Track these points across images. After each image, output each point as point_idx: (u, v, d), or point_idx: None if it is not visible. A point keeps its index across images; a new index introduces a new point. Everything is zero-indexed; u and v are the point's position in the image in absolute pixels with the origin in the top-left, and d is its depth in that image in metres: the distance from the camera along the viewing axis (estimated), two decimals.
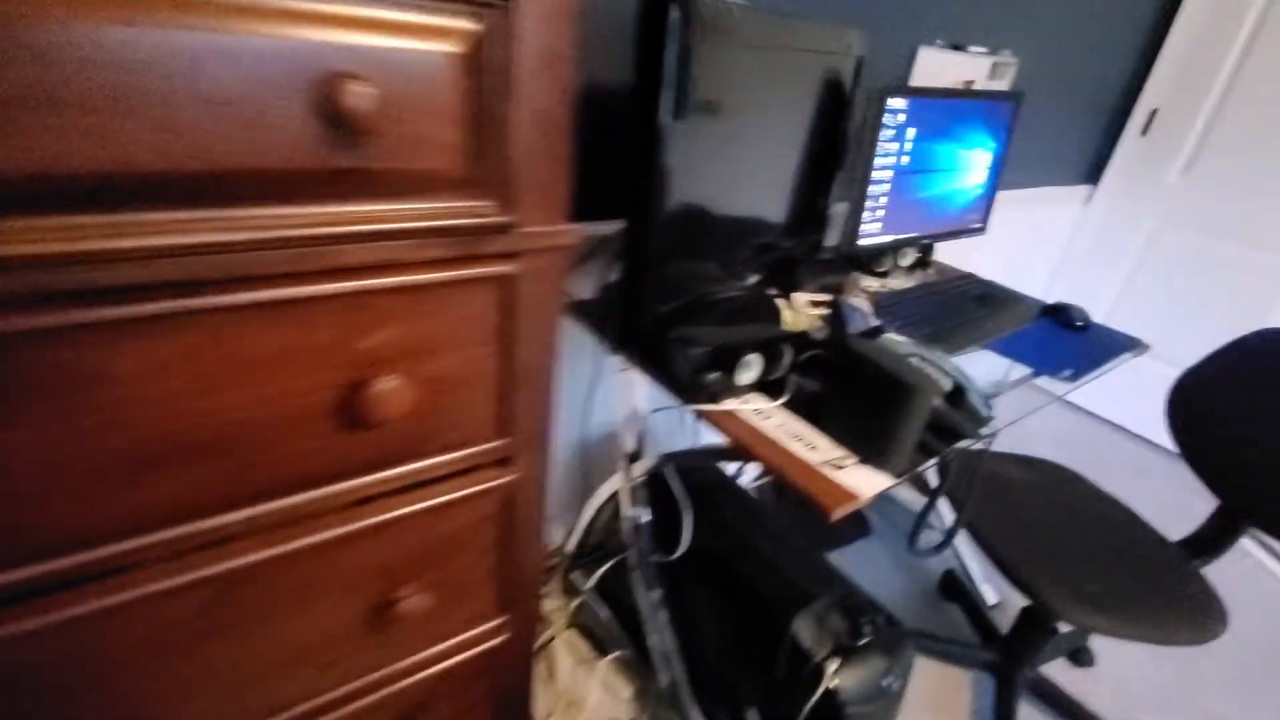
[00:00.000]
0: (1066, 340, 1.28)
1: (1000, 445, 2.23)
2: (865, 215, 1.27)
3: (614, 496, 1.31)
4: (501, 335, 0.53)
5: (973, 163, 1.41)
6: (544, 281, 0.53)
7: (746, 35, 0.87)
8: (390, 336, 0.47)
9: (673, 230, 0.88)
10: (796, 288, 1.22)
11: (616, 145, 1.12)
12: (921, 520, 0.92)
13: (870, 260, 1.41)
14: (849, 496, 0.75)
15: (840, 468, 0.79)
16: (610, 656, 1.31)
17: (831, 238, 1.35)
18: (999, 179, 1.48)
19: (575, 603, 1.38)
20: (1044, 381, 1.13)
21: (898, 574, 1.71)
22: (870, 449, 0.80)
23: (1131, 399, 2.42)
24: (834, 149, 1.23)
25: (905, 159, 1.26)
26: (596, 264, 1.16)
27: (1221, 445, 1.19)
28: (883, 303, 1.22)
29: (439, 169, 0.43)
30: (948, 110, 1.29)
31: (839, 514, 0.73)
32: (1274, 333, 1.19)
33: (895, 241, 1.36)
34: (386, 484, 0.53)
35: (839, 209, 1.30)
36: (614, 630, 1.34)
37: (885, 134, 1.21)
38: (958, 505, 1.24)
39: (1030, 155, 2.04)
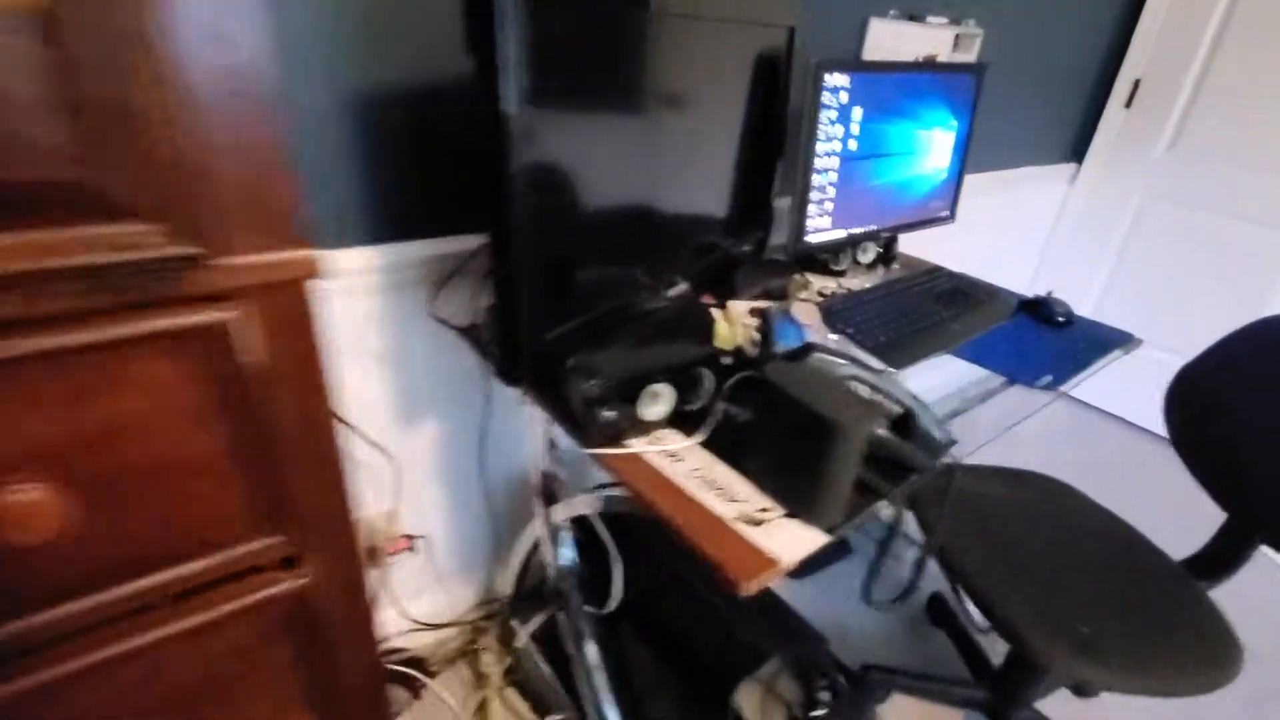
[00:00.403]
0: (1047, 339, 1.13)
1: (983, 452, 2.08)
2: (811, 209, 1.12)
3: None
4: (225, 406, 0.38)
5: (933, 144, 1.26)
6: (291, 329, 0.39)
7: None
8: (29, 427, 0.33)
9: (554, 238, 0.73)
10: (734, 294, 1.07)
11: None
12: (875, 569, 0.77)
13: (825, 259, 1.26)
14: (765, 564, 0.60)
15: (759, 523, 0.65)
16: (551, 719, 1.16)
17: (778, 236, 1.20)
18: (965, 161, 1.34)
19: (506, 662, 1.23)
20: (1018, 391, 0.98)
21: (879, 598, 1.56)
22: (795, 499, 0.66)
23: (1128, 389, 2.26)
24: (770, 135, 1.08)
25: (853, 143, 1.12)
26: (471, 284, 1.01)
27: (1226, 452, 1.04)
28: (834, 307, 1.08)
29: (30, 178, 0.28)
30: (899, 86, 1.14)
31: (751, 589, 0.58)
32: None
33: (850, 237, 1.21)
34: (89, 614, 0.39)
35: (784, 203, 1.15)
36: (555, 688, 1.19)
37: (826, 115, 1.06)
38: (927, 529, 1.09)
39: (1006, 134, 1.89)
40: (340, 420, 0.45)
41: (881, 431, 0.72)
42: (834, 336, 1.01)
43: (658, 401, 0.75)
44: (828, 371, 0.70)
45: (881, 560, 0.75)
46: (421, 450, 1.13)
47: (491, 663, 1.27)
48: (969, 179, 1.78)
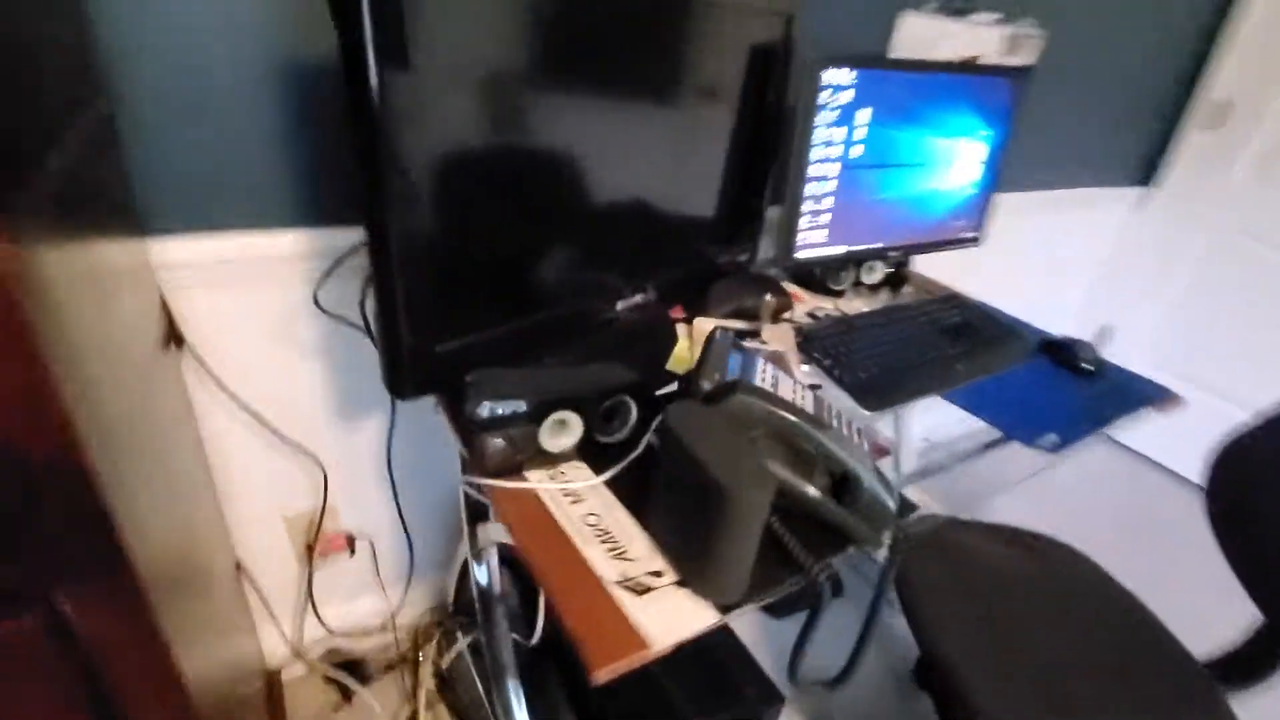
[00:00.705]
0: (1065, 388, 0.98)
1: (999, 500, 1.89)
2: (804, 221, 1.00)
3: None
4: None
5: (958, 156, 1.11)
6: None
7: None
8: None
9: (451, 234, 0.64)
10: (705, 310, 0.97)
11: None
12: (800, 647, 0.66)
13: (824, 277, 1.14)
14: (633, 645, 0.50)
15: (643, 591, 0.54)
16: None
17: (767, 248, 1.08)
18: (999, 176, 1.18)
19: (428, 686, 1.16)
20: (1019, 448, 0.85)
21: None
22: (689, 566, 0.55)
23: (1180, 439, 2.03)
24: (761, 136, 0.97)
25: (857, 149, 0.99)
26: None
27: (1271, 547, 0.88)
28: (815, 333, 0.95)
29: None
30: (917, 87, 1.00)
31: (603, 676, 0.49)
32: None
33: (850, 254, 1.08)
34: None
35: (775, 213, 1.03)
36: (485, 709, 1.12)
37: (825, 117, 0.94)
38: (904, 603, 0.96)
39: (1060, 149, 1.70)
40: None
41: (813, 493, 0.61)
42: (805, 368, 0.89)
43: (563, 432, 0.66)
44: (747, 417, 0.59)
45: (807, 637, 0.64)
46: (360, 451, 1.06)
47: (428, 676, 1.21)
48: (1010, 198, 1.61)
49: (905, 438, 1.48)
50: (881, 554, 0.63)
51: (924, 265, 1.32)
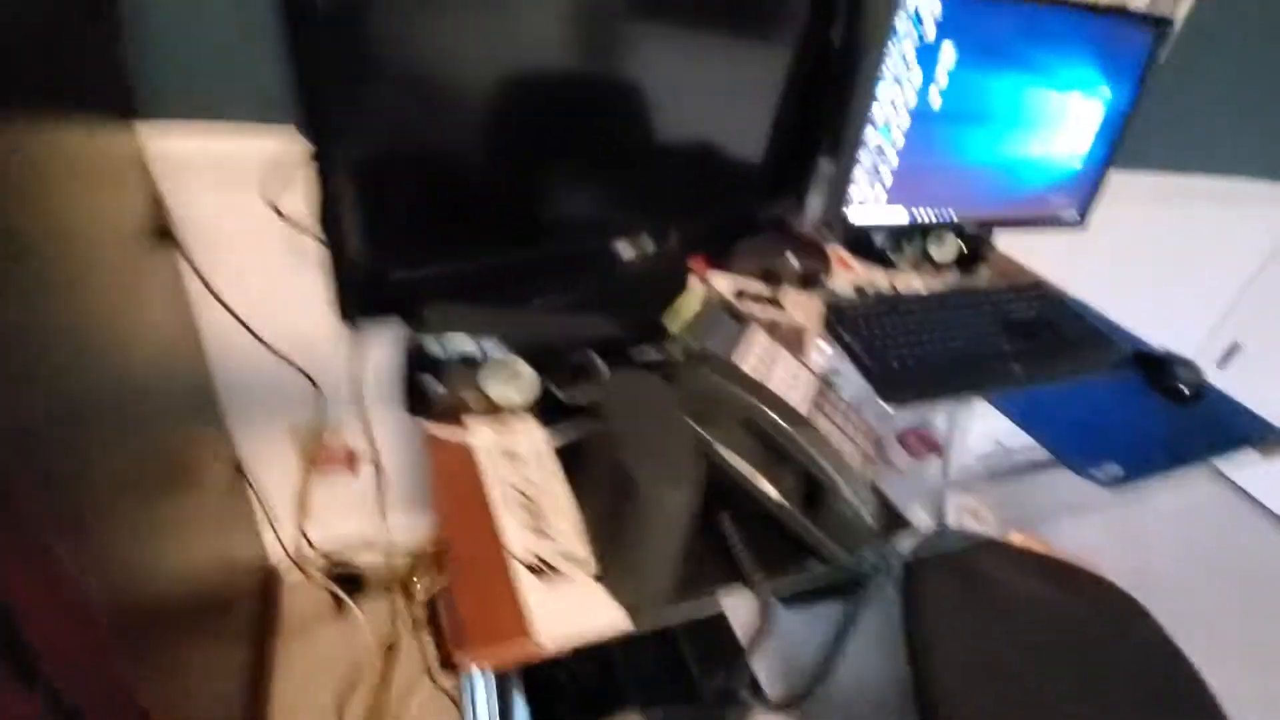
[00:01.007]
0: (1151, 412, 0.81)
1: (1075, 524, 1.68)
2: (859, 175, 0.86)
3: None
4: None
5: (1066, 116, 0.92)
6: None
7: None
8: None
9: (410, 144, 0.57)
10: (727, 265, 0.86)
11: None
12: (837, 649, 0.58)
13: (883, 246, 0.99)
14: (513, 633, 0.44)
15: (547, 572, 0.48)
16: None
17: (816, 205, 0.95)
18: (1117, 148, 0.98)
19: (416, 614, 1.16)
20: (1072, 477, 0.71)
21: (884, 653, 1.32)
22: (606, 562, 0.48)
23: None
24: (823, 73, 0.83)
25: (935, 95, 0.83)
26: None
27: None
28: (850, 309, 0.83)
29: None
30: (1023, 23, 0.82)
31: (468, 662, 0.42)
32: None
33: (916, 222, 0.93)
34: None
35: (829, 166, 0.90)
36: None
37: (900, 50, 0.78)
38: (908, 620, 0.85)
39: (1213, 125, 1.42)
40: None
41: (774, 495, 0.51)
42: (825, 348, 0.78)
43: (513, 383, 0.59)
44: (714, 398, 0.50)
45: (847, 632, 0.56)
46: (365, 372, 1.04)
47: (416, 603, 1.21)
48: (1134, 179, 1.37)
49: (961, 437, 1.32)
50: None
51: (1014, 248, 1.14)
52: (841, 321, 0.80)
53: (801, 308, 0.81)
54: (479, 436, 0.58)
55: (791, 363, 0.63)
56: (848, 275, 0.96)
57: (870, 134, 0.83)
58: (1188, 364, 0.85)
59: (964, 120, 0.87)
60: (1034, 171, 0.96)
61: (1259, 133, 1.48)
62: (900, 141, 0.85)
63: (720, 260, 0.87)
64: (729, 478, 0.52)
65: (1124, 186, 1.39)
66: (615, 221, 0.77)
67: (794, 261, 0.83)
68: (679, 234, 0.86)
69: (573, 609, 0.46)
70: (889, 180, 0.87)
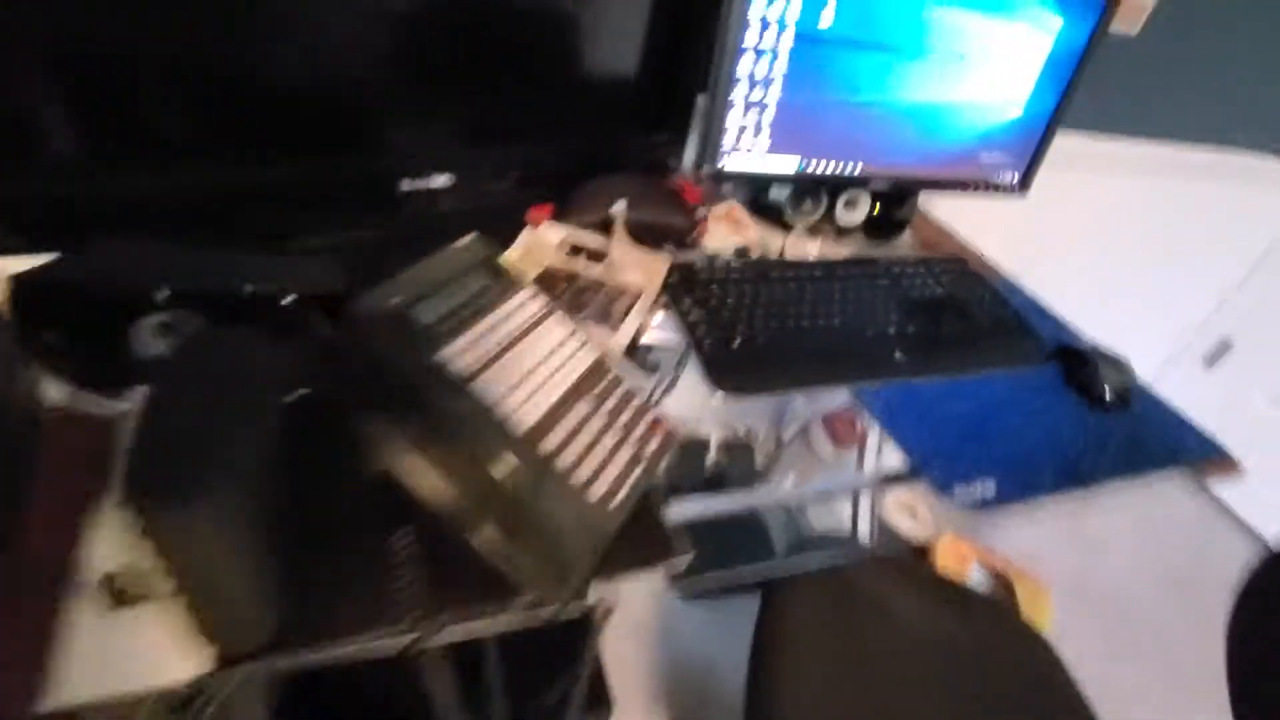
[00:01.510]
0: (1058, 419, 0.67)
1: (1009, 528, 1.54)
2: (735, 116, 0.71)
3: None
4: None
5: (1000, 50, 0.76)
6: None
7: None
8: None
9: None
10: (566, 214, 0.72)
11: None
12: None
13: (778, 204, 0.84)
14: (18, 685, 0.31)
15: (131, 601, 0.35)
16: None
17: (690, 151, 0.80)
18: (1070, 97, 0.82)
19: None
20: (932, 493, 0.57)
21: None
22: (182, 587, 0.35)
23: None
24: None
25: (830, 15, 0.67)
26: None
27: None
28: (706, 274, 0.68)
29: None
30: None
31: None
32: None
33: (807, 173, 0.78)
34: None
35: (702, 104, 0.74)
36: None
37: None
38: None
39: (1200, 86, 1.23)
40: None
41: (439, 499, 0.38)
42: (660, 319, 0.64)
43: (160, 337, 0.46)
44: (388, 371, 0.36)
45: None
46: None
47: None
48: (1116, 145, 1.20)
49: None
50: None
51: (961, 218, 0.98)
52: (688, 287, 0.66)
53: (643, 267, 0.67)
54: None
55: (562, 333, 0.49)
56: (734, 235, 0.82)
57: (745, 61, 0.67)
58: (1117, 362, 0.71)
59: (866, 49, 0.71)
60: (961, 121, 0.80)
61: (1262, 99, 1.29)
62: (782, 70, 0.69)
63: (563, 205, 0.73)
64: (405, 484, 0.39)
65: (1103, 153, 1.22)
66: (421, 144, 0.63)
67: (620, 207, 0.68)
68: (520, 169, 0.72)
69: (138, 650, 0.34)
70: (770, 119, 0.72)
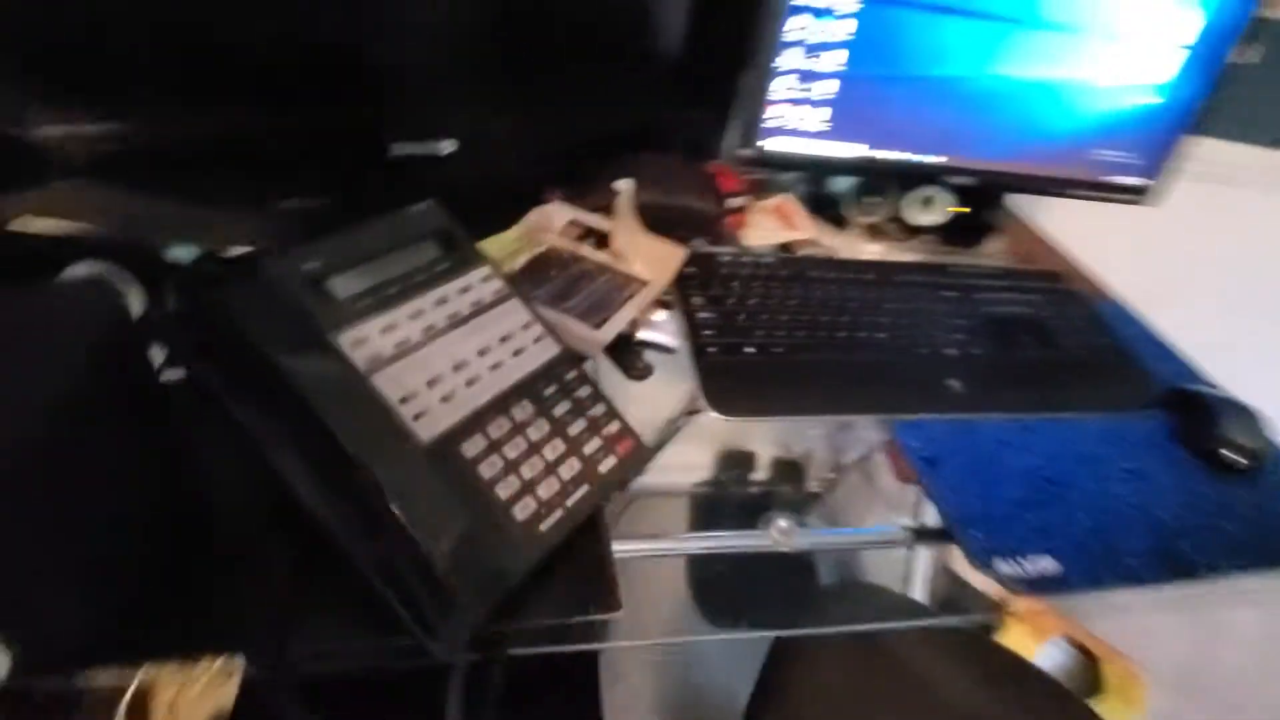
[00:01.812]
0: (1163, 484, 0.53)
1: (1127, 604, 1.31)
2: (782, 90, 0.61)
3: None
4: None
5: (1128, 23, 0.61)
6: None
7: None
8: None
9: None
10: (581, 197, 0.64)
11: None
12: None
13: (838, 197, 0.73)
14: None
15: None
16: None
17: (734, 133, 0.70)
18: (1218, 90, 0.65)
19: None
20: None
21: None
22: None
23: None
24: None
25: None
26: None
27: None
28: (726, 269, 0.59)
29: None
30: None
31: None
32: None
33: (872, 160, 0.66)
34: None
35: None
36: None
37: None
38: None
39: None
40: None
41: (311, 503, 0.32)
42: (661, 317, 0.55)
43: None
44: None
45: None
46: None
47: None
48: (1267, 156, 0.98)
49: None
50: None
51: (1069, 229, 0.82)
52: (704, 280, 0.57)
53: (655, 257, 0.58)
54: None
55: (514, 322, 0.42)
56: (783, 231, 0.71)
57: (798, 21, 0.57)
58: (1246, 413, 0.55)
59: (954, 10, 0.58)
60: (1074, 107, 0.65)
61: None
62: (847, 33, 0.58)
63: (579, 184, 0.65)
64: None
65: (1259, 164, 1.00)
66: (421, 105, 0.58)
67: (624, 186, 0.59)
68: (536, 141, 0.66)
69: None
70: (829, 94, 0.61)
